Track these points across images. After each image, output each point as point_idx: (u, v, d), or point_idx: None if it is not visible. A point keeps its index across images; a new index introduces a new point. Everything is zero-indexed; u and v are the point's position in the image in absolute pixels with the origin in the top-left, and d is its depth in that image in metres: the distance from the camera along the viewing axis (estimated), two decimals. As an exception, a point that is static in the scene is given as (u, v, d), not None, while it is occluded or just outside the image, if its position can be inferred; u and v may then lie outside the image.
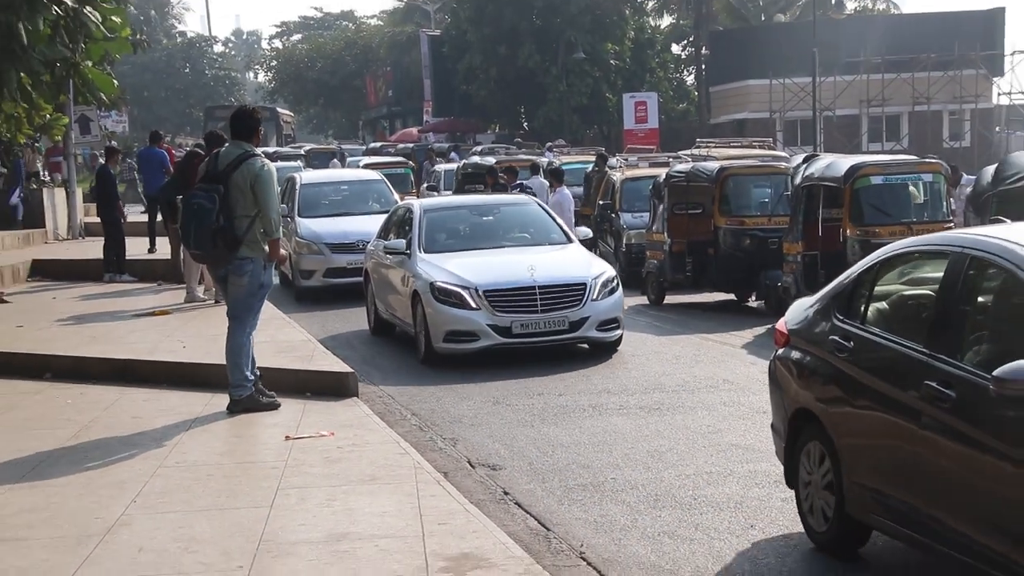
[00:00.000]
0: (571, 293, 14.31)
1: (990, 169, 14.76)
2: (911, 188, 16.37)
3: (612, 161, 27.79)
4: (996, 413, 5.85)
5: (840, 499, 7.22)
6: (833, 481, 7.31)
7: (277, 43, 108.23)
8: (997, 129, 55.27)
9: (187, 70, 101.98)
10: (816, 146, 45.97)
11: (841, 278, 7.88)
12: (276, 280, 15.50)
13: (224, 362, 11.18)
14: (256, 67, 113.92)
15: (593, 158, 29.38)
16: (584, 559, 7.58)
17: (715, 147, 33.08)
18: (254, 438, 10.29)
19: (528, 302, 14.16)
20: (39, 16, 11.83)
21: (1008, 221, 10.63)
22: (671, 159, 26.76)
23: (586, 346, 14.86)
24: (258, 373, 11.25)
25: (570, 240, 16.10)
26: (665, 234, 19.30)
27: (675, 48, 72.63)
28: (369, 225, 19.63)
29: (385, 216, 18.69)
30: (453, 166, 32.69)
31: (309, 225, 21.68)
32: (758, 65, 55.25)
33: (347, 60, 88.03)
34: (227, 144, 11.45)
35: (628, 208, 22.89)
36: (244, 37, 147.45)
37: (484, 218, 16.90)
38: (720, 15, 68.32)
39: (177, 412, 11.13)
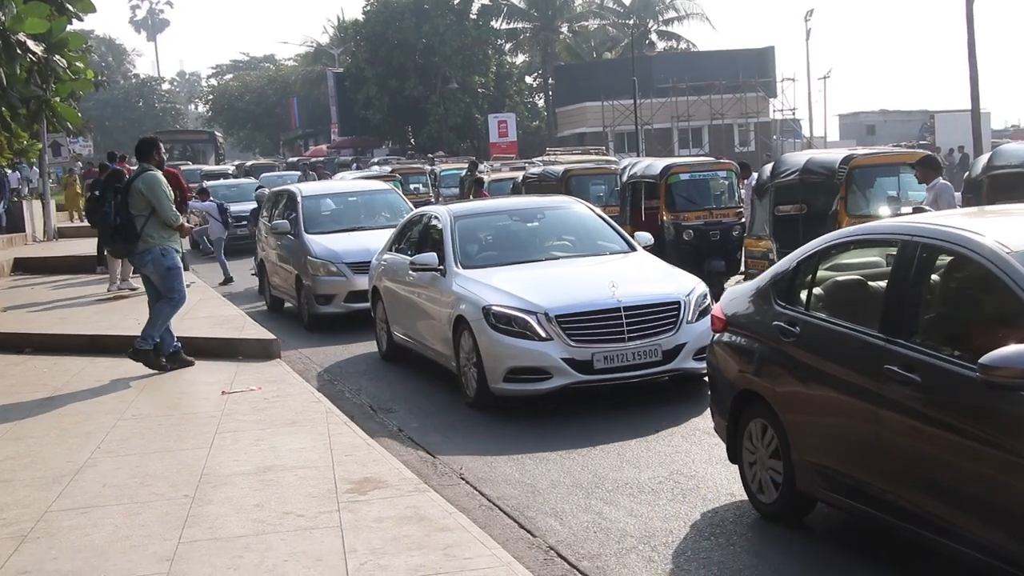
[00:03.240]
0: (663, 315, 9.24)
1: (768, 167, 15.06)
2: (710, 182, 16.60)
3: (481, 167, 27.84)
4: (975, 397, 4.67)
5: (789, 475, 6.02)
6: (781, 455, 6.08)
7: (213, 81, 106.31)
8: (774, 137, 56.43)
9: (140, 103, 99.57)
10: (638, 152, 46.44)
11: (778, 266, 6.51)
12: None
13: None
14: (196, 100, 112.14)
15: (466, 165, 29.43)
16: (463, 479, 7.50)
17: (561, 154, 33.17)
18: (196, 393, 10.02)
19: (612, 328, 9.08)
20: (16, 62, 11.73)
21: (929, 209, 9.98)
22: (527, 164, 26.78)
23: (666, 378, 9.49)
24: (179, 344, 11.08)
25: (632, 248, 10.88)
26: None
27: (528, 79, 73.23)
28: None
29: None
30: (359, 173, 32.18)
31: (322, 242, 14.72)
32: (592, 91, 56.11)
33: (269, 93, 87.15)
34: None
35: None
36: (186, 76, 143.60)
37: (528, 224, 11.43)
38: (562, 54, 69.31)
39: (133, 376, 10.79)
